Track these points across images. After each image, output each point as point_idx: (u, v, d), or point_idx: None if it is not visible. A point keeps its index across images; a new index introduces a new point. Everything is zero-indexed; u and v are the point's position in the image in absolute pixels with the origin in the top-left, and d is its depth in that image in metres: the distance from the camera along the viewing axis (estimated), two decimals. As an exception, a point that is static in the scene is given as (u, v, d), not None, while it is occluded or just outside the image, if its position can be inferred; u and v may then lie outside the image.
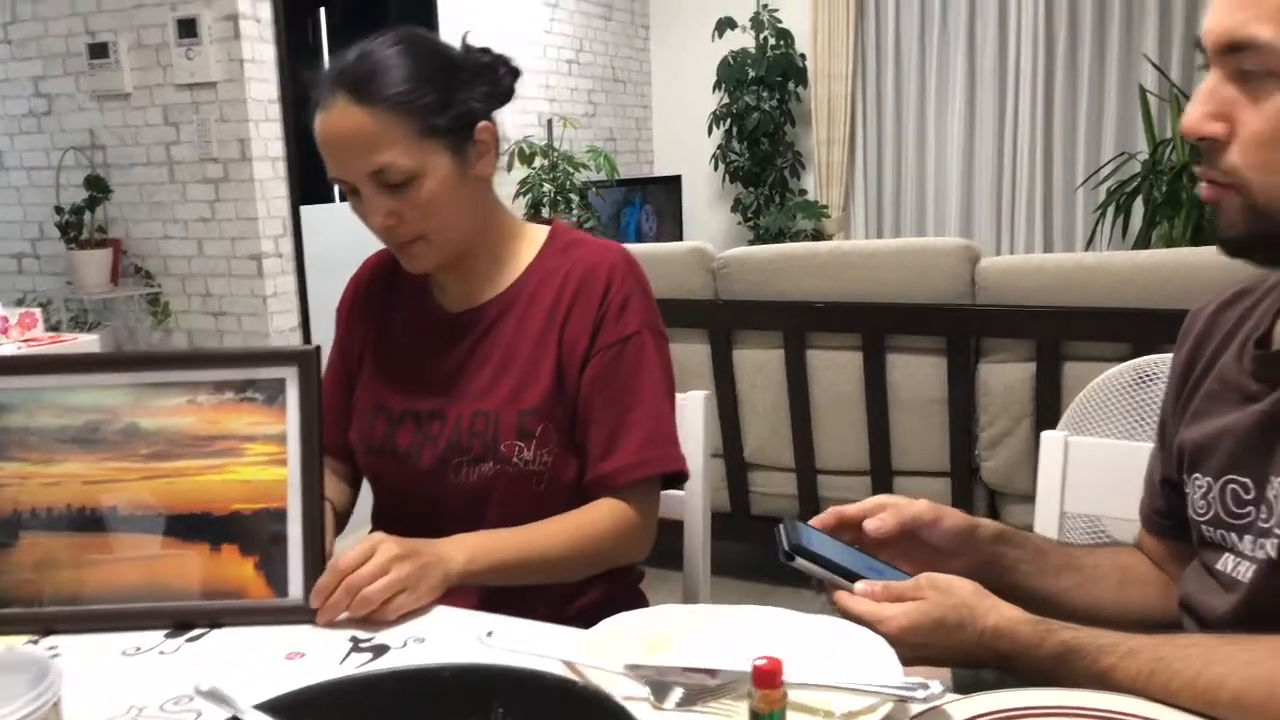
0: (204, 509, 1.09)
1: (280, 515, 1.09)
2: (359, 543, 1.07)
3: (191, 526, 1.09)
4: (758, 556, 3.19)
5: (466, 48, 1.26)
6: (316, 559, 1.08)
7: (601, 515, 1.23)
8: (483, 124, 1.24)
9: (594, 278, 1.26)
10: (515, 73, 1.29)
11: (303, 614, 1.05)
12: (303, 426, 1.10)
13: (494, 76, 1.26)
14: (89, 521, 1.08)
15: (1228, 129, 0.81)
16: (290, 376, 1.11)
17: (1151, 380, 1.80)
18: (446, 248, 1.24)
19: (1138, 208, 4.58)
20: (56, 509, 1.08)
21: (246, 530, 1.09)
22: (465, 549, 1.13)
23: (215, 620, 1.06)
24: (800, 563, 0.91)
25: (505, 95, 1.27)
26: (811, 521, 1.00)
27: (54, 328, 3.42)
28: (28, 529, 1.08)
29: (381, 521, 1.35)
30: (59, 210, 3.60)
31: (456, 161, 1.21)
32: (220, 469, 1.10)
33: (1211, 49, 0.81)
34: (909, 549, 1.02)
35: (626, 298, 1.26)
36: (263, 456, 1.10)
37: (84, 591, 1.07)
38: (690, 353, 2.93)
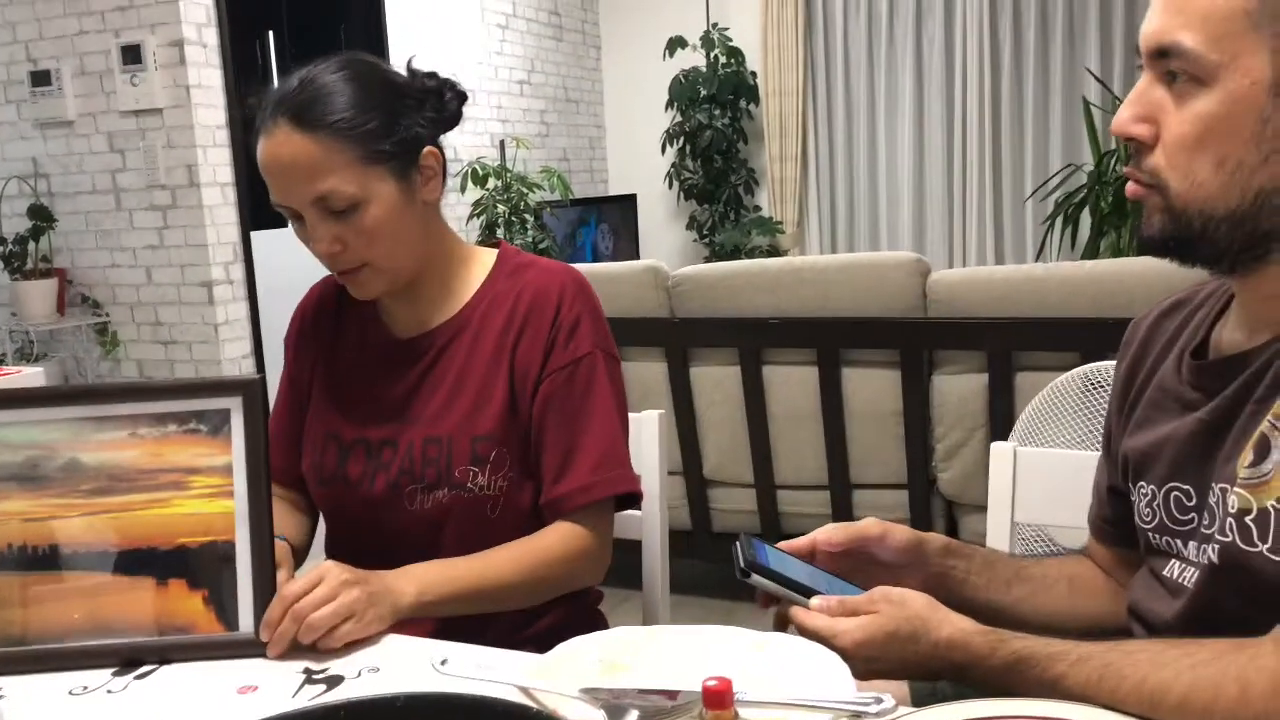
0: (149, 544, 1.07)
1: (229, 548, 1.07)
2: (307, 575, 1.06)
3: (137, 561, 1.06)
4: (720, 574, 3.19)
5: (412, 72, 1.25)
6: (267, 591, 1.06)
7: (555, 541, 1.22)
8: (428, 149, 1.23)
9: (544, 301, 1.26)
10: (462, 96, 1.28)
11: (254, 647, 1.03)
12: (249, 457, 1.08)
13: (440, 101, 1.25)
14: (31, 560, 1.06)
15: (1153, 131, 0.84)
16: (235, 407, 1.09)
17: (1100, 387, 1.83)
18: (393, 274, 1.24)
19: (1085, 218, 4.66)
20: None
21: (194, 564, 1.07)
22: (416, 580, 1.11)
23: (165, 656, 1.04)
24: (756, 579, 0.92)
25: (452, 120, 1.27)
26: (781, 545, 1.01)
27: (-2, 360, 3.36)
28: (-32, 569, 1.05)
29: (335, 552, 1.34)
30: (1, 240, 3.54)
31: (402, 187, 1.20)
32: (165, 503, 1.07)
33: (1144, 52, 0.84)
34: (862, 568, 1.03)
35: (577, 320, 1.26)
36: (209, 489, 1.08)
37: (27, 632, 1.04)
38: (647, 371, 2.94)
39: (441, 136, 1.27)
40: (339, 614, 1.02)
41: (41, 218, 3.52)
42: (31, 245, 3.52)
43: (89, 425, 1.08)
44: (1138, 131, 0.85)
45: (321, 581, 1.04)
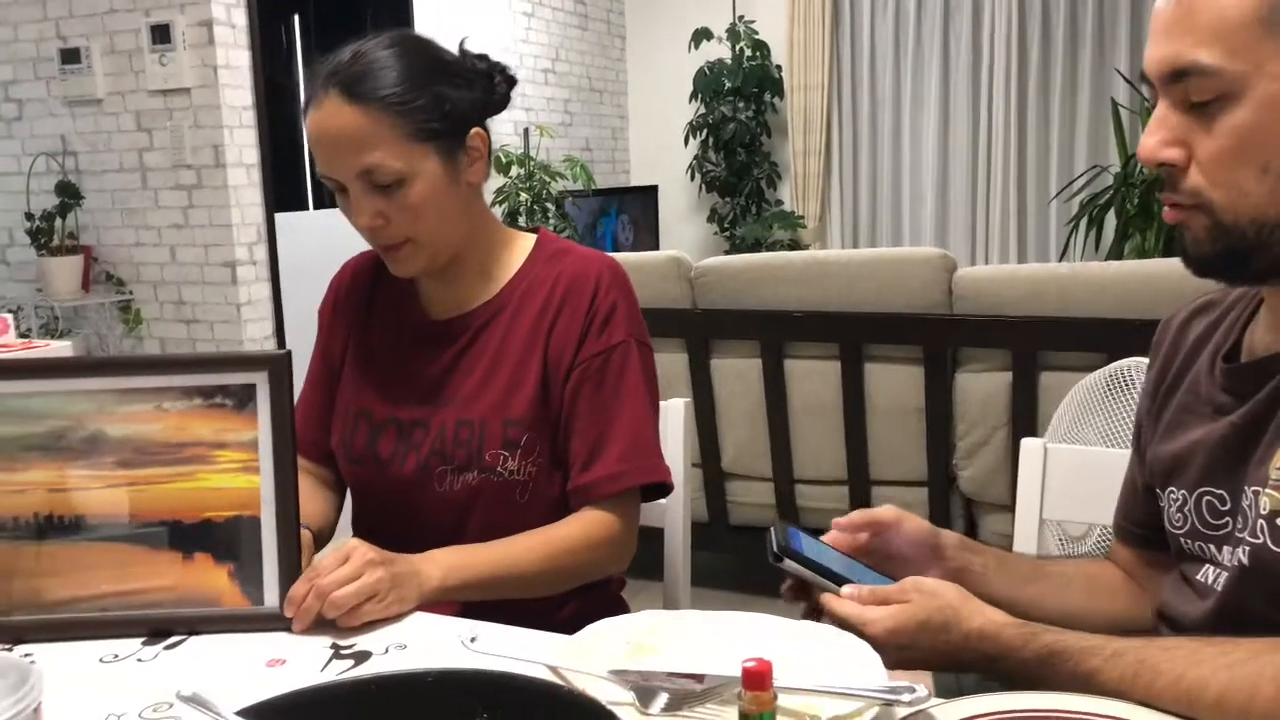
0: (174, 517, 1.07)
1: (254, 523, 1.07)
2: (335, 551, 1.07)
3: (163, 534, 1.07)
4: (736, 566, 3.20)
5: (463, 53, 1.25)
6: (292, 566, 1.06)
7: (579, 529, 1.22)
8: (475, 130, 1.23)
9: (581, 287, 1.25)
10: (511, 81, 1.28)
11: (279, 621, 1.04)
12: (275, 433, 1.08)
13: (489, 83, 1.25)
14: (56, 529, 1.06)
15: (1185, 154, 0.83)
16: (261, 382, 1.08)
17: (1126, 386, 1.81)
18: (433, 252, 1.23)
19: (1110, 220, 4.64)
20: (23, 517, 1.06)
21: (219, 538, 1.07)
22: (440, 565, 1.12)
23: (191, 628, 1.05)
24: (788, 564, 0.91)
25: (500, 103, 1.27)
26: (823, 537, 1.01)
27: (24, 335, 3.38)
28: (-8, 537, 1.05)
29: (362, 530, 1.34)
30: (29, 216, 3.56)
31: (447, 167, 1.21)
32: (190, 476, 1.07)
33: (1157, 79, 0.83)
34: (881, 564, 1.03)
35: (612, 307, 1.25)
36: (234, 464, 1.08)
37: (52, 600, 1.05)
38: (668, 362, 2.93)
39: (488, 120, 1.26)
40: (362, 593, 1.02)
41: (69, 195, 3.54)
42: (58, 222, 3.53)
43: (113, 397, 1.08)
44: (1168, 156, 0.83)
45: (348, 560, 1.04)
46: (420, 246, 1.22)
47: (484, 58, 1.26)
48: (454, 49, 1.26)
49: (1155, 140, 0.84)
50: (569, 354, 1.24)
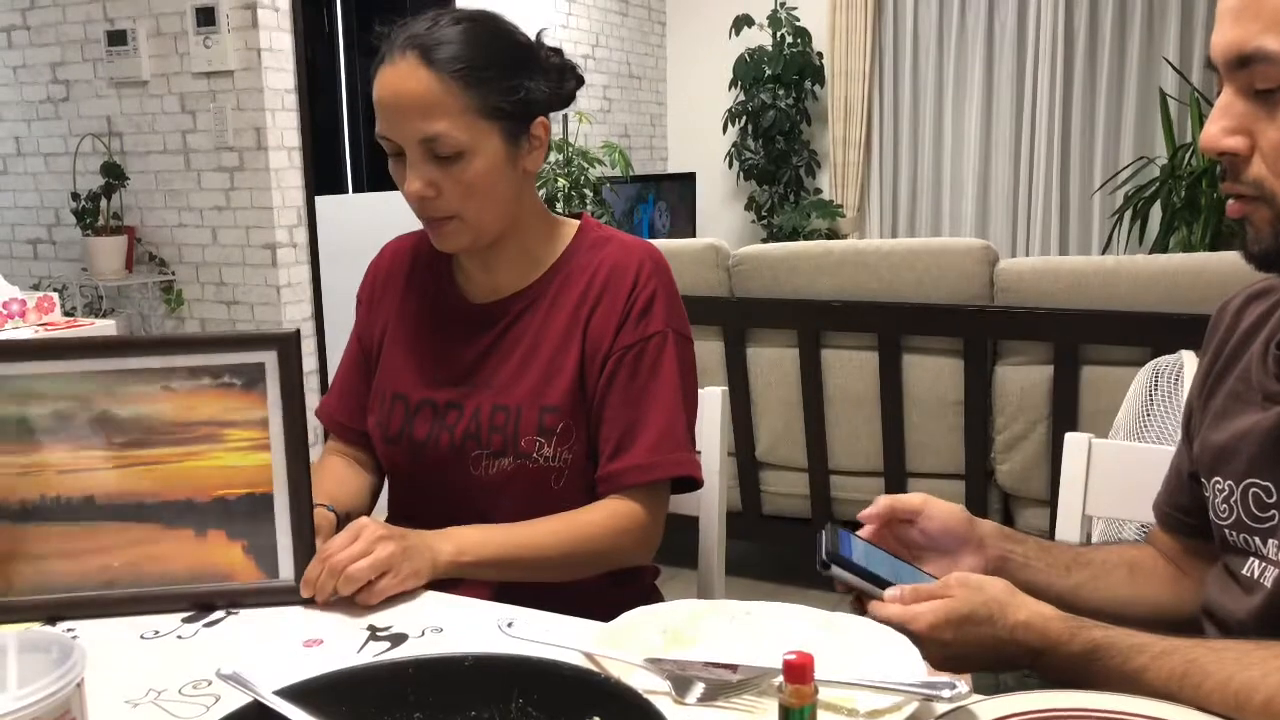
0: (187, 495, 1.07)
1: (267, 500, 1.08)
2: (346, 529, 1.08)
3: (175, 513, 1.07)
4: (769, 556, 3.19)
5: (540, 43, 1.26)
6: (306, 541, 1.08)
7: (604, 516, 1.22)
8: (540, 119, 1.23)
9: (621, 276, 1.25)
10: (580, 80, 1.29)
11: (295, 594, 1.05)
12: (285, 411, 1.08)
13: (560, 78, 1.25)
14: (66, 510, 1.06)
15: (1248, 143, 0.81)
16: (270, 361, 1.08)
17: (1167, 378, 1.78)
18: (478, 231, 1.23)
19: (1155, 213, 4.55)
20: (29, 499, 1.05)
21: (232, 515, 1.08)
22: (455, 540, 1.12)
23: (207, 603, 1.05)
24: (835, 571, 0.90)
25: (567, 99, 1.27)
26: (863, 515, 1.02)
27: (69, 313, 3.43)
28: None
29: (396, 512, 1.35)
30: (75, 197, 3.61)
31: (508, 149, 1.20)
32: (201, 455, 1.07)
33: (1222, 64, 0.81)
34: (918, 555, 1.03)
35: (651, 297, 1.25)
36: (245, 442, 1.08)
37: (64, 580, 1.05)
38: (704, 350, 2.92)
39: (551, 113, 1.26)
40: (376, 568, 1.03)
41: (114, 175, 3.58)
42: (103, 202, 3.57)
43: (120, 378, 1.07)
44: (1231, 145, 0.81)
45: (358, 538, 1.05)
46: (466, 224, 1.21)
47: (559, 52, 1.27)
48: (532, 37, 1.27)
49: (1218, 128, 0.82)
50: (606, 342, 1.24)
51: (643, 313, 1.24)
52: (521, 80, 1.19)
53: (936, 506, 1.03)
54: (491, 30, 1.20)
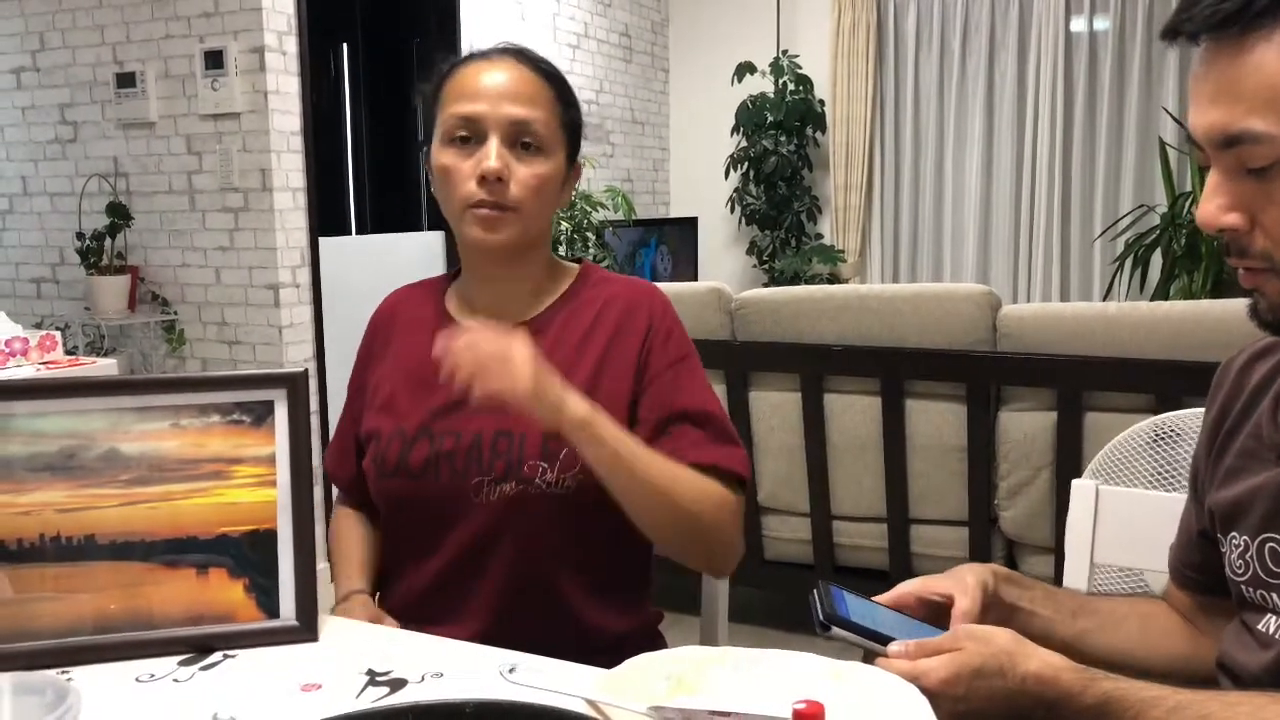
0: (190, 533, 1.06)
1: (271, 536, 1.07)
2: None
3: (177, 551, 1.06)
4: (771, 602, 3.16)
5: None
6: (308, 578, 1.06)
7: (716, 490, 1.21)
8: (581, 158, 1.31)
9: (635, 309, 1.28)
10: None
11: (296, 634, 1.04)
12: (292, 448, 1.08)
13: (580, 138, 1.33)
14: (65, 550, 1.04)
15: (1247, 219, 0.80)
16: (279, 399, 1.10)
17: (1172, 438, 1.77)
18: (526, 230, 1.25)
19: (1156, 260, 4.57)
20: (27, 539, 1.04)
21: (235, 552, 1.07)
22: (588, 407, 1.11)
23: (205, 645, 1.04)
24: (836, 632, 0.89)
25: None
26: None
27: (70, 352, 3.43)
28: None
29: (390, 549, 1.34)
30: (80, 236, 3.62)
31: (566, 168, 1.28)
32: (206, 492, 1.07)
33: (1206, 145, 0.81)
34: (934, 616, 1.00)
35: (670, 329, 1.29)
36: (251, 478, 1.08)
37: (58, 625, 1.03)
38: (706, 393, 2.91)
39: None
40: (508, 368, 1.05)
41: (119, 215, 3.59)
42: (108, 242, 3.58)
43: (129, 415, 1.07)
44: (1230, 221, 0.81)
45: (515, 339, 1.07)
46: (520, 218, 1.23)
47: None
48: None
49: (1214, 206, 0.81)
50: (630, 373, 1.25)
51: (666, 338, 1.28)
52: (579, 118, 1.30)
53: (962, 597, 0.97)
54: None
